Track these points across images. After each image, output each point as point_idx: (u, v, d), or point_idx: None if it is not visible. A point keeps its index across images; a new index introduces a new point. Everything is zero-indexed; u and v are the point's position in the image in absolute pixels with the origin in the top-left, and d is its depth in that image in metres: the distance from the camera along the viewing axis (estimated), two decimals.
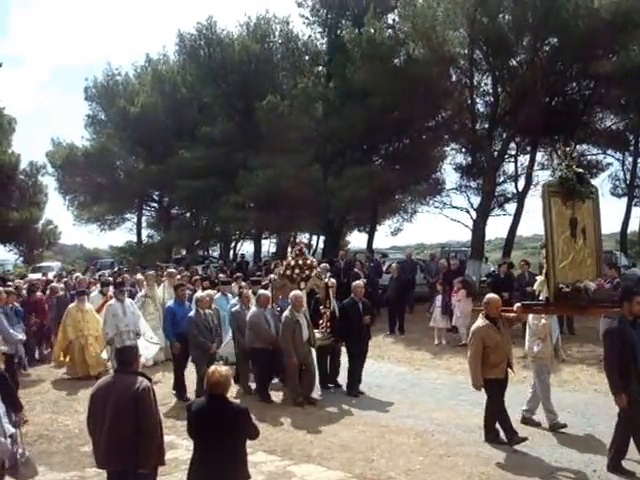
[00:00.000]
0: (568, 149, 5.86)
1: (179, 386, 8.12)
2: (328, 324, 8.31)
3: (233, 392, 8.01)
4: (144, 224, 31.15)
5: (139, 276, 12.46)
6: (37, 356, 10.99)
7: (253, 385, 8.24)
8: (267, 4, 62.56)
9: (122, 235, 45.61)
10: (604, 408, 6.74)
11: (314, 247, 29.60)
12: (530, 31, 15.77)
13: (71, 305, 9.80)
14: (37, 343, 11.05)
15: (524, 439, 5.82)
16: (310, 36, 23.03)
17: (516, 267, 13.79)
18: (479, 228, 18.42)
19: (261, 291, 8.47)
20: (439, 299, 11.79)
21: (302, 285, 8.33)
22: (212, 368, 3.94)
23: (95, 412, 4.02)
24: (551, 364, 6.66)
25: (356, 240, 35.34)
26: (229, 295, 9.95)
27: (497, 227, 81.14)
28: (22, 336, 8.70)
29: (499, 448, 5.87)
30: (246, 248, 31.20)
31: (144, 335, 9.37)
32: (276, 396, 8.03)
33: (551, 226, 5.28)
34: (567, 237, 5.41)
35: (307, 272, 8.42)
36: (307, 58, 23.18)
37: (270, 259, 20.79)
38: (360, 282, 8.68)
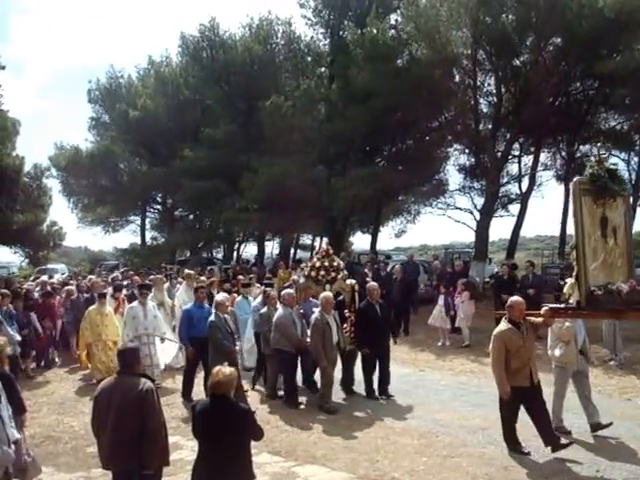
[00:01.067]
0: (600, 153, 5.64)
1: (187, 387, 7.95)
2: (352, 328, 8.03)
3: (255, 397, 7.97)
4: (148, 226, 31.29)
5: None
6: (43, 362, 10.65)
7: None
8: (269, 5, 62.58)
9: (126, 237, 45.91)
10: (607, 410, 6.72)
11: (317, 248, 29.60)
12: (534, 31, 15.74)
13: (91, 307, 9.55)
14: (46, 347, 10.77)
15: (527, 453, 5.69)
16: (312, 37, 23.07)
17: (520, 268, 13.76)
18: (483, 229, 18.38)
19: (286, 290, 8.16)
20: (442, 298, 11.86)
21: (327, 287, 8.06)
22: (216, 368, 3.96)
23: (99, 413, 4.04)
24: (583, 368, 6.36)
25: (359, 241, 35.34)
26: (250, 297, 9.77)
27: (501, 228, 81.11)
28: (18, 337, 8.92)
29: (502, 448, 5.86)
30: (249, 249, 31.30)
31: (165, 334, 9.18)
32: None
33: (582, 226, 5.01)
34: (598, 237, 5.17)
35: (333, 274, 8.18)
36: (310, 59, 23.19)
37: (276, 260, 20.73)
38: (374, 284, 8.35)
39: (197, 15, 62.81)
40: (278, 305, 8.10)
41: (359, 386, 8.14)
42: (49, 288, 12.23)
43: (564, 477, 5.23)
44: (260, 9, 55.32)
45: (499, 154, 18.94)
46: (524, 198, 20.38)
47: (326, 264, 8.22)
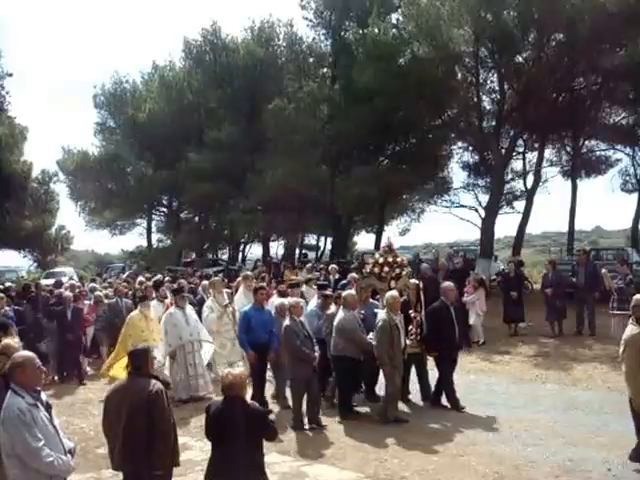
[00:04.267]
0: None
1: (257, 399, 7.13)
2: (418, 330, 7.37)
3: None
4: (154, 228, 31.45)
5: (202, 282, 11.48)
6: (64, 374, 9.81)
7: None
8: (271, 8, 62.74)
9: (133, 240, 46.02)
10: (618, 406, 6.69)
11: (322, 248, 29.67)
12: (535, 27, 15.69)
13: (134, 313, 8.74)
14: (73, 358, 9.90)
15: None
16: (314, 38, 23.14)
17: (526, 265, 13.69)
18: (488, 226, 18.33)
19: (348, 291, 7.50)
20: None
21: (392, 284, 7.41)
22: (226, 370, 4.01)
23: (110, 415, 4.08)
24: None
25: (364, 241, 35.31)
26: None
27: (506, 225, 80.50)
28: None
29: (512, 447, 5.85)
30: (254, 250, 31.38)
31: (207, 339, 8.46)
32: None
33: None
34: None
35: (397, 270, 7.55)
36: (312, 60, 23.23)
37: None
38: (451, 283, 7.71)
39: (199, 20, 63.08)
40: (333, 307, 7.52)
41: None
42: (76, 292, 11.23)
43: (575, 476, 5.20)
44: (261, 12, 55.45)
45: (503, 151, 18.88)
46: (529, 194, 20.30)
47: (390, 260, 7.60)
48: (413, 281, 7.78)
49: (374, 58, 17.70)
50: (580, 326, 11.30)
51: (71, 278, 18.96)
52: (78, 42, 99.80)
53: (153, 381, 4.07)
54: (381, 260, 7.69)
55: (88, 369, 10.45)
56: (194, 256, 27.79)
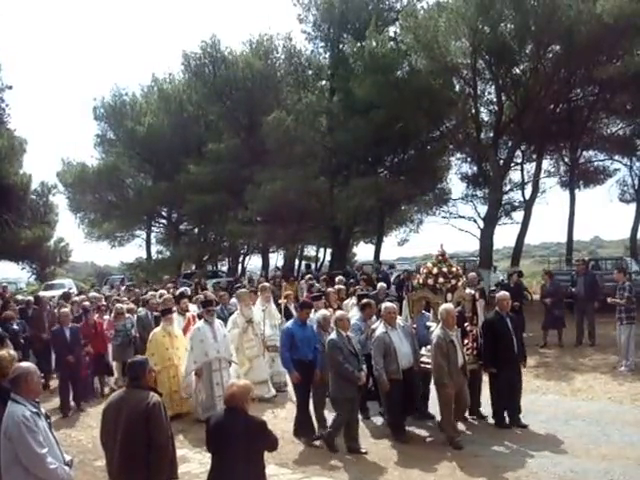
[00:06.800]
0: None
1: (304, 425, 6.62)
2: (474, 344, 6.85)
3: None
4: (153, 240, 31.48)
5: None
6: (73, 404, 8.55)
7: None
8: (269, 22, 63.39)
9: (132, 251, 46.07)
10: (618, 416, 6.67)
11: (321, 259, 29.66)
12: (532, 39, 15.83)
13: (156, 329, 8.20)
14: (91, 378, 9.23)
15: None
16: (313, 51, 23.34)
17: (525, 275, 13.69)
18: (487, 237, 18.35)
19: (387, 304, 6.87)
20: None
21: (449, 297, 6.79)
22: (231, 381, 4.04)
23: (107, 427, 4.05)
24: None
25: (363, 252, 35.31)
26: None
27: (505, 236, 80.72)
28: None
29: (513, 458, 5.80)
30: (254, 262, 31.38)
31: (231, 356, 7.90)
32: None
33: None
34: None
35: (453, 281, 6.90)
36: (310, 73, 23.41)
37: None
38: (505, 293, 7.17)
39: (199, 33, 63.73)
40: (374, 321, 7.08)
41: None
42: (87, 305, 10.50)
43: None
44: (260, 25, 56.05)
45: (501, 162, 18.97)
46: (528, 205, 20.36)
47: (444, 270, 6.92)
48: (468, 291, 7.21)
49: (372, 70, 17.83)
50: (580, 336, 11.28)
51: (70, 289, 18.91)
52: (78, 55, 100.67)
53: (151, 393, 4.05)
54: (435, 270, 6.95)
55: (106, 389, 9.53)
56: (194, 268, 27.80)
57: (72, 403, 8.49)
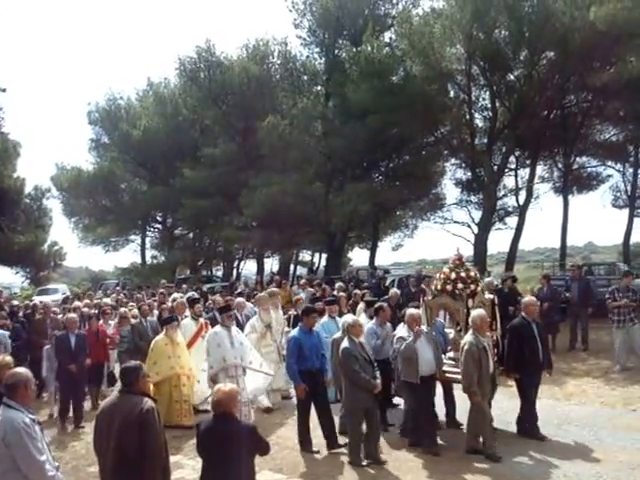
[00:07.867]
0: None
1: (304, 437, 6.49)
2: (496, 351, 6.59)
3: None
4: (148, 245, 31.46)
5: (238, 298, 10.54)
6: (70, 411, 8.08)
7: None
8: (265, 27, 63.61)
9: (127, 256, 45.91)
10: (611, 421, 6.69)
11: (317, 264, 29.66)
12: (527, 45, 16.00)
13: (159, 337, 7.86)
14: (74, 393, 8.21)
15: None
16: (308, 56, 23.49)
17: (519, 281, 13.71)
18: (481, 242, 18.44)
19: (411, 310, 6.72)
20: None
21: (470, 303, 6.55)
22: (217, 386, 4.00)
23: (100, 433, 4.03)
24: None
25: (358, 257, 35.37)
26: (337, 318, 7.95)
27: (499, 241, 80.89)
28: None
29: (507, 463, 5.81)
30: (249, 267, 31.34)
31: (251, 364, 7.51)
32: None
33: None
34: None
35: (472, 287, 6.63)
36: (306, 78, 23.52)
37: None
38: (533, 298, 7.06)
39: (194, 38, 63.77)
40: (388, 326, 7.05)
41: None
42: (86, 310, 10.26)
43: None
44: (256, 30, 56.24)
45: (495, 168, 19.09)
46: (522, 211, 20.46)
47: (462, 274, 6.65)
48: (488, 296, 6.96)
49: (367, 76, 17.94)
50: (574, 341, 11.31)
51: (64, 294, 18.81)
52: (73, 58, 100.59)
53: (145, 399, 4.03)
54: (453, 275, 6.68)
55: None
56: (188, 272, 27.72)
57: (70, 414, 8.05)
